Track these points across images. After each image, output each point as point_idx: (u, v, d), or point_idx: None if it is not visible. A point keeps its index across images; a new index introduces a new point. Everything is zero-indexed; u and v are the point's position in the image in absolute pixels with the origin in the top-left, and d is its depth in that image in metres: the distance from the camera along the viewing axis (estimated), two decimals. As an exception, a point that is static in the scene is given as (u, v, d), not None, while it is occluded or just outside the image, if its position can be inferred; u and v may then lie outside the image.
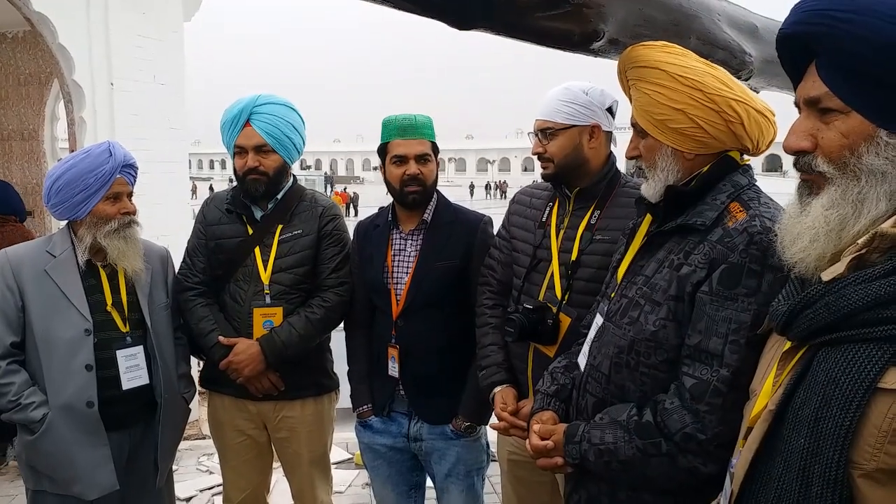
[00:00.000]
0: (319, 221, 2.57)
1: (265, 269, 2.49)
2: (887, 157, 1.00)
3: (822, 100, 1.05)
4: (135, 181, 2.39)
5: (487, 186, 58.77)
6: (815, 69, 1.07)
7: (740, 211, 1.42)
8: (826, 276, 1.02)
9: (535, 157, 2.16)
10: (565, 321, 2.01)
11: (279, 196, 2.57)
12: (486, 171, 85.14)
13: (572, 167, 2.08)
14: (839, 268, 1.01)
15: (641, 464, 1.41)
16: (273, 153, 2.50)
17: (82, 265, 2.29)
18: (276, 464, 2.76)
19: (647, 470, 1.41)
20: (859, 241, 1.00)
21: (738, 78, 2.34)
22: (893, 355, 0.92)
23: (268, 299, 2.49)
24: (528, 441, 1.66)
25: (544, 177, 2.15)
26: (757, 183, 1.52)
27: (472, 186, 56.60)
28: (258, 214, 2.56)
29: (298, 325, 2.46)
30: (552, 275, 2.08)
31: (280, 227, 2.53)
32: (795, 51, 1.12)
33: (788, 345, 1.12)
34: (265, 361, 2.43)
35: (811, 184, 1.09)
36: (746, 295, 1.33)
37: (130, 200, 2.36)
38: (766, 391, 1.15)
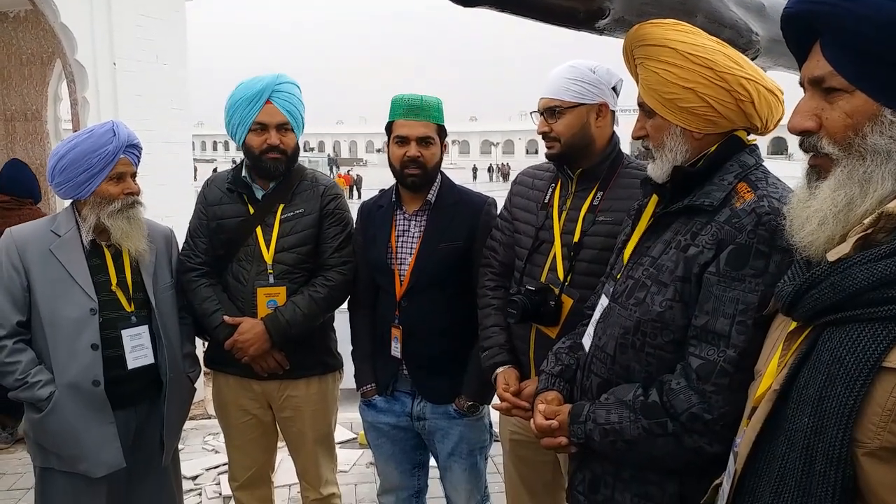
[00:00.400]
0: (321, 200, 2.57)
1: (268, 249, 2.50)
2: (892, 136, 0.99)
3: (826, 79, 1.05)
4: (139, 161, 2.38)
5: (490, 169, 58.51)
6: (820, 48, 1.06)
7: (748, 191, 1.41)
8: (832, 256, 1.02)
9: (539, 138, 2.14)
10: (567, 302, 2.01)
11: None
12: (489, 153, 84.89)
13: (579, 147, 2.05)
14: (845, 248, 1.01)
15: (647, 443, 1.41)
16: (291, 132, 2.52)
17: (87, 245, 2.29)
18: (280, 443, 2.78)
19: (652, 450, 1.42)
20: (865, 222, 1.00)
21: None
22: None
23: (271, 279, 2.49)
24: (532, 421, 1.67)
25: (549, 157, 2.11)
26: (764, 163, 1.50)
27: (475, 169, 56.44)
28: (259, 194, 2.56)
29: (303, 304, 2.47)
30: (554, 256, 2.07)
31: (282, 206, 2.53)
32: (800, 30, 1.11)
33: (793, 325, 1.12)
34: (270, 340, 2.44)
35: (819, 169, 1.08)
36: (754, 276, 1.33)
37: (134, 181, 2.35)
38: (770, 371, 1.15)
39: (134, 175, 2.36)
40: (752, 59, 2.55)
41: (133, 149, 2.33)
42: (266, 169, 2.50)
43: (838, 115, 1.04)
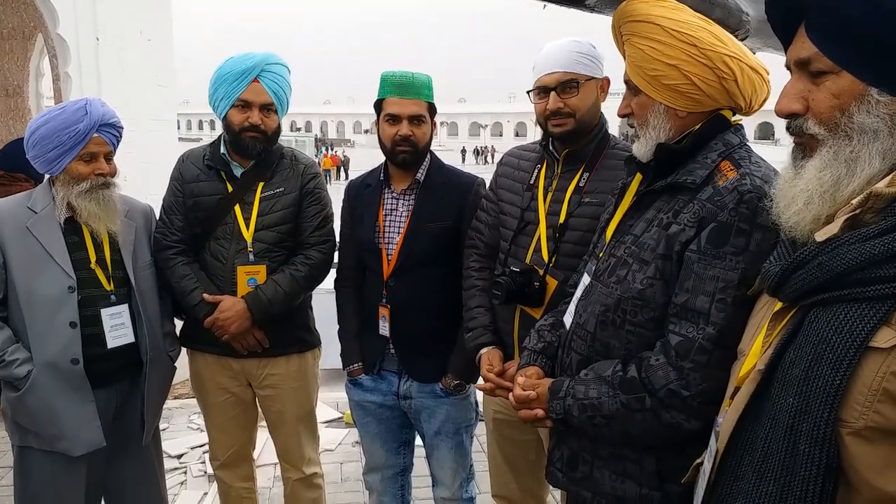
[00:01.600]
0: (301, 179, 2.55)
1: (247, 228, 2.47)
2: (879, 115, 0.99)
3: (812, 61, 1.04)
4: (118, 141, 2.34)
5: (476, 152, 58.28)
6: (805, 30, 1.06)
7: (731, 170, 1.41)
8: (820, 236, 1.02)
9: (529, 120, 2.10)
10: (552, 283, 2.00)
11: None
12: (478, 135, 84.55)
13: (589, 123, 2.02)
14: (833, 228, 1.01)
15: (625, 419, 1.42)
16: (274, 113, 2.49)
17: (61, 222, 2.25)
18: (262, 422, 2.77)
19: (630, 425, 1.42)
20: (853, 202, 0.99)
21: (735, 37, 2.31)
22: (885, 314, 0.93)
23: (251, 257, 2.47)
24: (511, 393, 1.67)
25: (562, 135, 2.02)
26: (748, 142, 1.50)
27: (463, 151, 56.25)
28: (238, 171, 2.52)
29: (284, 283, 2.45)
30: (539, 238, 2.06)
31: (261, 184, 2.51)
32: (785, 13, 1.10)
33: (779, 305, 1.12)
34: (251, 318, 2.43)
35: (804, 147, 1.08)
36: (734, 254, 1.33)
37: (109, 161, 2.30)
38: (755, 351, 1.15)
39: (109, 155, 2.30)
40: (743, 40, 2.54)
41: (109, 128, 2.28)
42: (244, 147, 2.47)
43: (825, 96, 1.03)
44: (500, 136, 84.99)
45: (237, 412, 2.67)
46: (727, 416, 1.15)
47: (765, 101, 1.52)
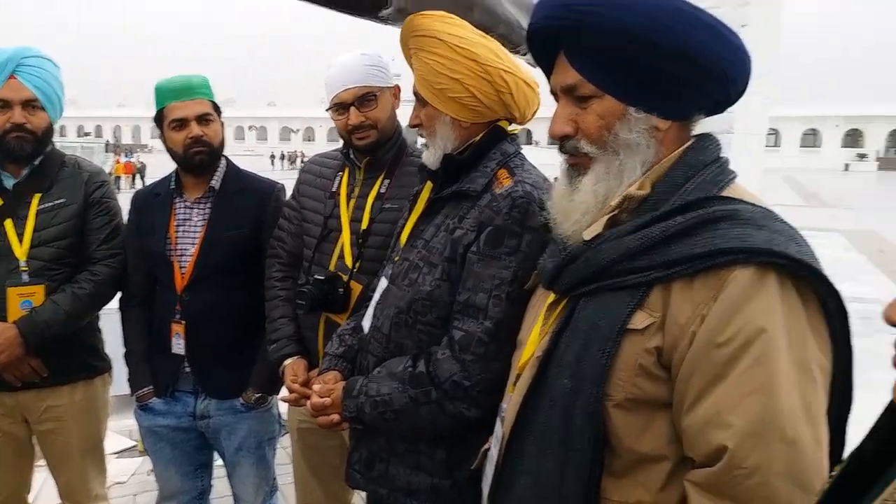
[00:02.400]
0: (85, 189, 2.33)
1: (20, 244, 2.21)
2: (638, 131, 1.14)
3: (577, 87, 1.17)
4: None
5: (282, 157, 57.09)
6: (566, 59, 1.18)
7: (507, 178, 1.54)
8: (587, 235, 1.16)
9: (338, 132, 2.11)
10: (356, 289, 2.03)
11: (35, 162, 2.29)
12: (289, 140, 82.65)
13: (389, 132, 2.09)
14: (598, 227, 1.15)
15: (412, 412, 1.49)
16: (41, 111, 2.24)
17: None
18: (40, 462, 2.47)
19: (417, 418, 1.49)
20: (612, 203, 1.14)
21: (517, 53, 2.49)
22: (640, 300, 1.07)
23: (25, 277, 2.21)
24: (308, 401, 1.68)
25: (365, 147, 2.07)
26: (522, 150, 1.64)
27: (272, 157, 54.73)
28: (9, 182, 2.25)
29: (64, 303, 2.22)
30: (343, 244, 2.08)
31: (38, 196, 2.26)
32: (545, 44, 1.22)
33: (553, 297, 1.25)
34: (24, 345, 2.17)
35: (578, 166, 1.21)
36: (508, 254, 1.45)
37: None
38: (532, 340, 1.27)
39: None
40: (524, 56, 2.75)
41: None
42: (10, 150, 2.21)
43: (592, 119, 1.16)
44: (313, 140, 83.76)
45: (7, 453, 2.36)
46: (511, 402, 1.25)
47: (535, 111, 1.66)
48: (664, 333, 1.05)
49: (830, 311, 1.03)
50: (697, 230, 1.05)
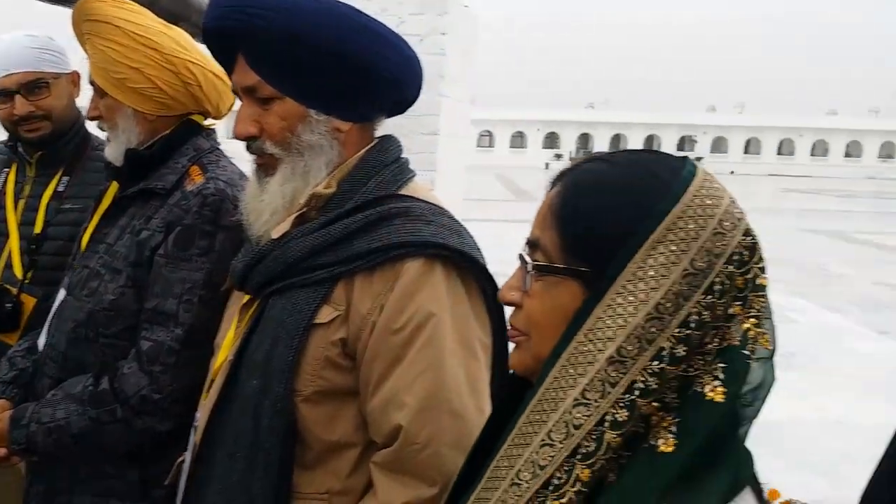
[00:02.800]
0: None
1: None
2: (321, 133, 1.16)
3: (257, 89, 1.15)
4: None
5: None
6: (245, 60, 1.16)
7: (199, 174, 1.46)
8: (275, 233, 1.16)
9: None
10: (29, 302, 1.80)
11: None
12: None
13: (67, 123, 1.89)
14: (286, 226, 1.15)
15: (96, 434, 1.36)
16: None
17: None
18: None
19: (102, 439, 1.37)
20: (300, 201, 1.15)
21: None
22: (325, 295, 1.10)
23: None
24: None
25: (37, 139, 1.86)
26: (221, 146, 1.58)
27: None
28: None
29: None
30: (10, 252, 1.85)
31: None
32: (221, 43, 1.19)
33: (246, 298, 1.23)
34: None
35: (266, 167, 1.19)
36: (199, 255, 1.38)
37: None
38: (227, 343, 1.24)
39: None
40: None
41: None
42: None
43: (274, 120, 1.15)
44: None
45: None
46: (203, 409, 1.21)
47: (231, 105, 1.60)
48: (349, 325, 1.10)
49: (489, 294, 1.16)
50: (376, 226, 1.12)
